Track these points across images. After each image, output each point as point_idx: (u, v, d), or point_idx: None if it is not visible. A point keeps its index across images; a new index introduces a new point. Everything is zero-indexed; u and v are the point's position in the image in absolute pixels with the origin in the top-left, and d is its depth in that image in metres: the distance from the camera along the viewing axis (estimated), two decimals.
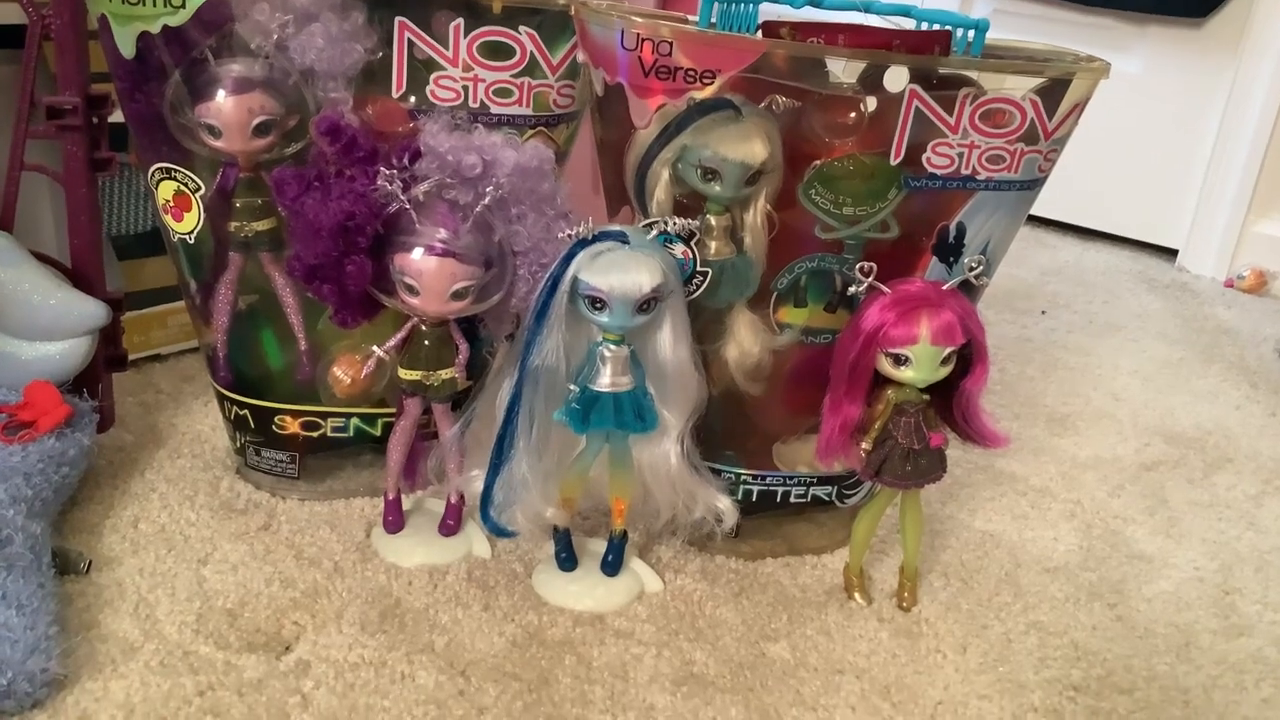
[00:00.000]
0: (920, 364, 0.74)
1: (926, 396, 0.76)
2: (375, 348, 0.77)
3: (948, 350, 0.74)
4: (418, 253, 0.73)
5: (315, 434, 0.87)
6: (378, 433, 0.88)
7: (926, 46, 0.76)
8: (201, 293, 0.84)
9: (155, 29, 0.74)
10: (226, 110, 0.75)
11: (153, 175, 0.80)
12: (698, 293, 0.77)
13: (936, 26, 0.78)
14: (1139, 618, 0.85)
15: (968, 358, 0.76)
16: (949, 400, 0.77)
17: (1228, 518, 1.01)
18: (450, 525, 0.84)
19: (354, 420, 0.88)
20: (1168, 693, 0.76)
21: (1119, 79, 0.79)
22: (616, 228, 0.73)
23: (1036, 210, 0.83)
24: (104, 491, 0.86)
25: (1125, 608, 0.86)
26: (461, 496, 0.84)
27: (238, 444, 0.89)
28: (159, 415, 0.99)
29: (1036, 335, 1.43)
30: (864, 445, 0.77)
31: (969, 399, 0.77)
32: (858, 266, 0.75)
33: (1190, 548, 0.95)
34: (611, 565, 0.82)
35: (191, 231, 0.81)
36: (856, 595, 0.83)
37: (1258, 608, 0.87)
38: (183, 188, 0.80)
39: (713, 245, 0.76)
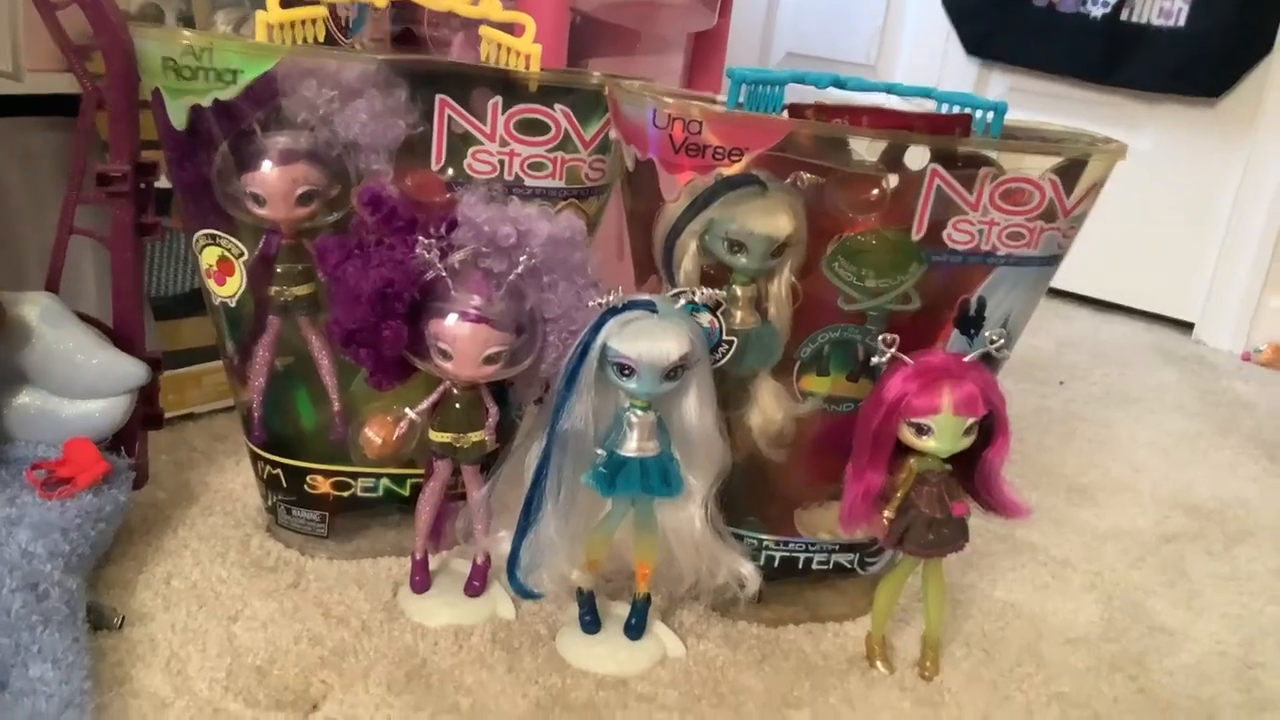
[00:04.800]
0: (942, 434, 0.75)
1: (949, 466, 0.77)
2: (408, 410, 0.79)
3: (970, 421, 0.75)
4: (452, 319, 0.75)
5: (345, 494, 0.89)
6: (406, 493, 0.89)
7: (948, 129, 0.79)
8: (239, 354, 0.86)
9: (206, 102, 0.77)
10: (271, 180, 0.78)
11: (198, 241, 0.83)
12: (723, 361, 0.78)
13: (957, 109, 0.81)
14: (1161, 690, 0.85)
15: (989, 428, 0.77)
16: (971, 470, 0.78)
17: (1249, 591, 1.01)
18: (476, 586, 0.85)
19: (383, 481, 0.89)
20: None
21: (1132, 156, 0.81)
22: (645, 297, 0.75)
23: (1053, 282, 0.85)
24: (137, 548, 0.88)
25: (1147, 680, 0.86)
26: (488, 557, 0.85)
27: (269, 502, 0.91)
28: (192, 473, 1.00)
29: (1055, 406, 1.44)
30: (886, 513, 0.78)
31: (991, 469, 0.78)
32: (880, 337, 0.77)
33: (1212, 621, 0.95)
34: (635, 629, 0.82)
35: (233, 295, 0.83)
36: (879, 663, 0.83)
37: None
38: (226, 253, 0.82)
39: (738, 315, 0.78)
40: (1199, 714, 0.82)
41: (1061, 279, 0.88)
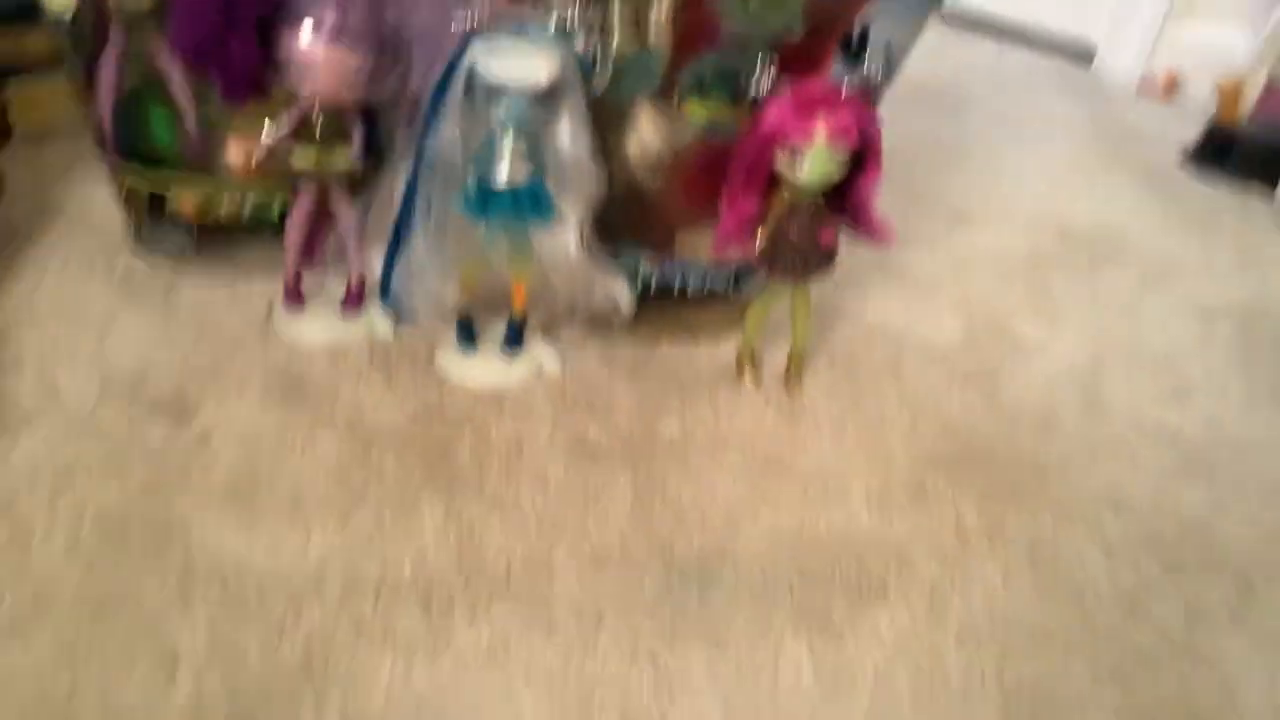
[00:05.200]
0: (815, 162, 0.75)
1: (820, 195, 0.78)
2: (267, 131, 0.75)
3: (843, 150, 0.75)
4: (306, 37, 0.71)
5: (210, 212, 0.86)
6: (275, 213, 0.87)
7: None
8: (85, 68, 0.81)
9: None
10: None
11: None
12: (600, 86, 0.76)
13: None
14: (1009, 401, 0.91)
15: (863, 159, 0.77)
16: (843, 198, 0.79)
17: (1106, 311, 1.07)
18: (351, 306, 0.86)
19: (250, 200, 0.86)
20: (1026, 466, 0.83)
21: None
22: (517, 18, 0.72)
23: (957, 6, 0.83)
24: None
25: (998, 392, 0.92)
26: (362, 277, 0.85)
27: (133, 221, 0.88)
28: (52, 192, 0.96)
29: (947, 134, 1.44)
30: (759, 239, 0.80)
31: (861, 195, 0.79)
32: (762, 63, 0.75)
33: (1067, 338, 1.01)
34: (510, 344, 0.84)
35: (66, 8, 0.77)
36: (747, 379, 0.88)
37: (1121, 393, 0.94)
38: None
39: (617, 38, 0.75)
40: (1041, 421, 0.89)
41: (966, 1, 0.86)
